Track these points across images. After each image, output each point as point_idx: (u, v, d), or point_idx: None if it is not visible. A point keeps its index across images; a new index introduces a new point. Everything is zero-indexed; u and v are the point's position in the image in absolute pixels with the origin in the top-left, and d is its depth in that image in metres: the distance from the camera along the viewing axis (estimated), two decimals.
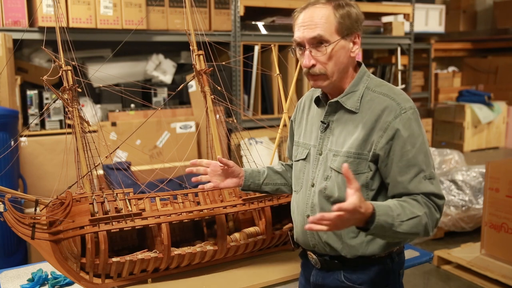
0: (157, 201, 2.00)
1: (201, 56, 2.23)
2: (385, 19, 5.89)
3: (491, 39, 7.17)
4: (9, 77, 3.40)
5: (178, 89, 2.40)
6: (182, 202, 2.05)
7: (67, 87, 2.05)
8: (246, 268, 2.13)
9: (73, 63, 2.08)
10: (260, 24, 4.75)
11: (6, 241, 3.10)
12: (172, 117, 4.24)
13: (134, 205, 1.94)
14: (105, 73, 3.91)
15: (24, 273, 2.11)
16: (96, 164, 2.04)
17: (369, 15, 5.43)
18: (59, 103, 3.72)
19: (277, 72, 2.51)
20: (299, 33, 1.54)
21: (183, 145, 3.89)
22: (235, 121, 2.41)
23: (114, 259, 1.86)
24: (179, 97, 4.56)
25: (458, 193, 4.75)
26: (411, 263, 2.20)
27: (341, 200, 1.52)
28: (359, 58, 4.76)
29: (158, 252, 1.95)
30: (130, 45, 4.18)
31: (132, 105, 4.23)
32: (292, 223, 1.79)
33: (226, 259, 2.14)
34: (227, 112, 3.49)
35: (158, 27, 4.20)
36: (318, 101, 1.70)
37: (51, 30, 2.24)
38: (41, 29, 3.75)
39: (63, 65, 2.06)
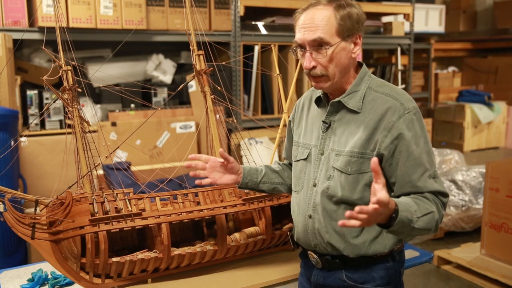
0: (157, 201, 2.00)
1: (201, 56, 2.23)
2: (385, 19, 5.89)
3: (491, 39, 7.17)
4: (9, 77, 3.40)
5: (178, 89, 2.40)
6: (182, 202, 2.05)
7: (67, 87, 2.05)
8: (246, 268, 2.13)
9: (73, 63, 2.08)
10: (260, 24, 4.75)
11: (6, 241, 3.10)
12: (172, 117, 4.24)
13: (134, 205, 1.94)
14: (105, 73, 3.91)
15: (24, 273, 2.11)
16: (96, 164, 2.04)
17: (369, 15, 5.43)
18: (59, 103, 3.72)
19: (277, 72, 2.51)
20: (300, 35, 1.54)
21: (183, 145, 3.89)
22: (235, 121, 2.41)
23: (114, 259, 1.86)
24: (179, 97, 4.56)
25: (458, 193, 4.75)
26: (411, 263, 2.20)
27: (344, 199, 1.53)
28: (359, 58, 4.76)
29: (158, 252, 1.95)
30: (130, 45, 4.18)
31: (132, 105, 4.23)
32: (292, 223, 1.79)
33: (226, 259, 2.14)
34: (227, 112, 3.49)
35: (158, 27, 4.20)
36: (318, 101, 1.70)
37: (51, 30, 2.24)
38: (41, 29, 3.75)
39: (63, 65, 2.06)
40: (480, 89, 7.00)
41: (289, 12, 4.89)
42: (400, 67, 5.87)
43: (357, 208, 1.25)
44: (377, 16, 5.73)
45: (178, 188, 2.55)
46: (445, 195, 1.54)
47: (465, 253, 4.06)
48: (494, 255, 3.90)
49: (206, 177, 1.78)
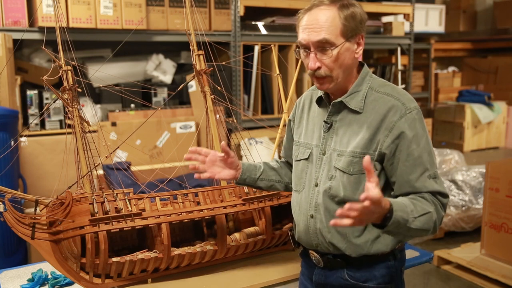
0: (157, 201, 2.00)
1: (201, 56, 2.23)
2: (385, 19, 5.89)
3: (491, 39, 7.17)
4: (9, 77, 3.40)
5: (178, 89, 2.40)
6: (182, 202, 2.05)
7: (67, 87, 2.05)
8: (246, 268, 2.13)
9: (73, 63, 2.08)
10: (260, 24, 4.75)
11: (6, 241, 3.10)
12: (172, 117, 4.24)
13: (134, 205, 1.94)
14: (105, 73, 3.91)
15: (24, 273, 2.11)
16: (96, 164, 2.04)
17: (369, 15, 5.38)
18: (59, 103, 3.72)
19: (277, 72, 2.51)
20: (304, 36, 1.53)
21: (183, 145, 3.89)
22: (235, 121, 2.41)
23: (114, 259, 1.86)
24: (179, 97, 4.56)
25: (458, 193, 4.75)
26: (411, 263, 2.20)
27: (346, 199, 1.53)
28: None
29: (158, 252, 1.95)
30: (130, 45, 4.18)
31: (132, 105, 4.23)
32: (292, 223, 1.79)
33: (226, 259, 2.14)
34: (227, 112, 3.49)
35: (158, 27, 4.20)
36: (319, 101, 1.70)
37: (51, 30, 2.24)
38: (41, 29, 3.75)
39: (63, 65, 2.06)
40: (480, 89, 7.00)
41: (289, 12, 4.89)
42: (400, 67, 5.87)
43: (346, 205, 1.24)
44: (377, 16, 5.73)
45: (178, 188, 2.55)
46: (445, 195, 1.54)
47: (465, 253, 4.06)
48: (494, 255, 3.90)
49: (205, 171, 1.75)
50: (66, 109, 2.09)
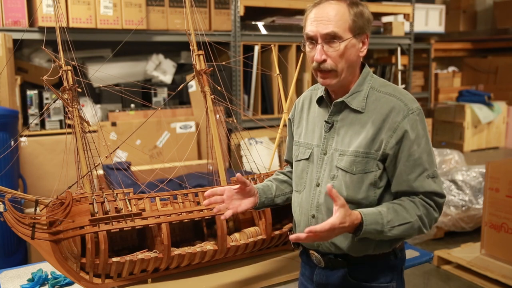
0: (157, 201, 2.00)
1: (201, 56, 2.23)
2: (385, 19, 5.89)
3: (491, 39, 7.17)
4: (9, 77, 3.40)
5: (178, 89, 2.40)
6: (182, 202, 2.04)
7: (67, 87, 2.05)
8: (246, 268, 2.13)
9: (73, 63, 2.08)
10: (260, 24, 4.75)
11: (6, 241, 3.10)
12: (172, 117, 4.24)
13: (134, 205, 1.94)
14: (105, 73, 3.91)
15: (24, 273, 2.11)
16: (96, 164, 2.04)
17: None
18: (59, 103, 3.72)
19: (277, 72, 2.52)
20: (312, 27, 1.54)
21: (183, 145, 3.89)
22: (235, 121, 2.41)
23: (114, 259, 1.86)
24: (179, 97, 4.56)
25: (458, 193, 4.75)
26: (411, 263, 2.20)
27: (349, 199, 1.54)
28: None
29: (158, 252, 1.94)
30: (130, 45, 4.18)
31: (132, 105, 4.23)
32: (292, 223, 1.79)
33: (226, 259, 2.14)
34: (227, 112, 3.49)
35: (158, 27, 4.21)
36: (320, 101, 1.70)
37: (51, 30, 2.24)
38: (41, 29, 3.75)
39: (63, 65, 2.06)
40: (480, 89, 7.00)
41: (289, 12, 4.90)
42: (400, 67, 5.87)
43: (293, 236, 1.40)
44: (377, 16, 5.73)
45: (178, 188, 2.55)
46: (441, 196, 1.56)
47: (465, 253, 4.06)
48: (494, 255, 3.90)
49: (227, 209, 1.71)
50: (66, 109, 2.09)
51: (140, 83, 4.31)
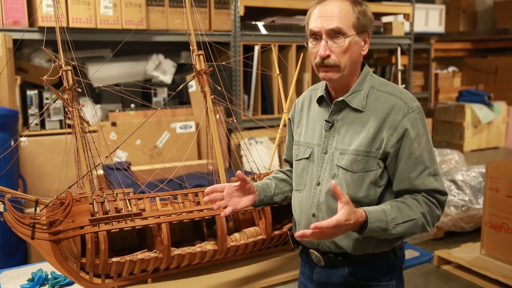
0: (157, 201, 2.00)
1: (201, 56, 2.22)
2: (385, 19, 5.89)
3: (491, 39, 7.17)
4: (9, 77, 3.40)
5: (178, 89, 2.40)
6: (182, 202, 2.05)
7: (67, 87, 2.05)
8: (246, 268, 2.13)
9: (73, 63, 2.08)
10: (260, 24, 4.75)
11: (6, 241, 3.10)
12: (172, 117, 4.24)
13: (134, 205, 1.94)
14: (105, 73, 3.91)
15: (24, 273, 2.11)
16: (96, 164, 2.04)
17: None
18: (59, 103, 3.72)
19: (277, 72, 2.52)
20: (317, 23, 1.55)
21: (183, 145, 3.89)
22: (235, 121, 2.41)
23: (114, 259, 1.86)
24: (179, 97, 4.56)
25: (458, 193, 4.75)
26: (411, 263, 2.20)
27: (349, 198, 1.53)
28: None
29: (158, 252, 1.94)
30: (130, 45, 4.18)
31: (132, 105, 4.23)
32: (292, 222, 1.79)
33: (226, 259, 2.14)
34: (227, 112, 3.49)
35: (158, 27, 4.21)
36: (320, 101, 1.71)
37: (51, 30, 2.24)
38: (41, 29, 3.75)
39: (63, 65, 2.06)
40: (480, 89, 7.00)
41: (289, 12, 4.89)
42: (400, 67, 5.87)
43: (299, 233, 1.39)
44: (377, 16, 5.73)
45: (178, 188, 2.55)
46: (443, 193, 1.58)
47: (465, 253, 4.06)
48: (494, 255, 3.90)
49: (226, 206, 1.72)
50: (66, 109, 2.09)
51: (140, 83, 4.31)
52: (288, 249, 2.29)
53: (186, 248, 2.01)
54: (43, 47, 2.10)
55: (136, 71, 4.57)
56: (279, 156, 4.07)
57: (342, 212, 1.39)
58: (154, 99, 4.33)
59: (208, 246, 2.04)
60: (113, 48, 4.10)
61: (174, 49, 4.83)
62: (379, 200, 1.58)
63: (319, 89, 1.72)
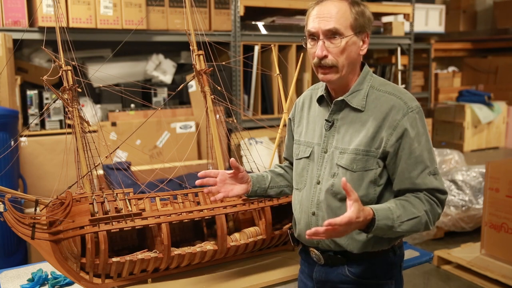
0: (157, 201, 2.00)
1: (201, 56, 2.23)
2: (385, 19, 5.89)
3: (491, 39, 7.17)
4: (9, 77, 3.40)
5: (178, 89, 2.40)
6: (182, 202, 2.05)
7: (67, 87, 2.05)
8: (246, 268, 2.13)
9: (73, 63, 2.08)
10: (260, 24, 4.75)
11: (6, 241, 3.10)
12: (172, 117, 4.24)
13: (134, 205, 1.94)
14: (105, 73, 3.91)
15: (24, 273, 2.11)
16: (96, 164, 2.04)
17: None
18: (59, 103, 3.72)
19: (277, 72, 2.52)
20: (314, 24, 1.56)
21: (183, 145, 3.89)
22: (235, 121, 2.41)
23: (114, 259, 1.86)
24: (179, 97, 4.56)
25: (458, 193, 4.75)
26: (411, 263, 2.20)
27: None
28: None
29: (158, 252, 1.95)
30: (130, 45, 4.18)
31: (132, 105, 4.23)
32: (292, 221, 1.79)
33: (226, 259, 2.14)
34: (227, 112, 3.49)
35: (158, 27, 4.20)
36: (320, 100, 1.71)
37: (51, 30, 2.24)
38: (41, 29, 3.75)
39: (63, 65, 2.06)
40: (480, 89, 7.00)
41: (289, 12, 4.89)
42: (400, 67, 5.87)
43: (312, 230, 1.37)
44: (377, 16, 5.73)
45: (178, 188, 2.56)
46: (443, 192, 1.59)
47: (465, 253, 4.06)
48: (494, 255, 3.90)
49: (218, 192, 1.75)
50: (66, 109, 2.09)
51: (140, 83, 4.31)
52: (288, 249, 2.29)
53: (186, 248, 2.01)
54: (43, 47, 2.10)
55: (136, 71, 4.57)
56: (279, 156, 4.08)
57: (352, 210, 1.38)
58: (154, 99, 4.33)
59: (208, 246, 2.05)
60: (113, 48, 4.10)
61: (174, 49, 4.83)
62: (379, 199, 1.59)
63: (319, 88, 1.73)
